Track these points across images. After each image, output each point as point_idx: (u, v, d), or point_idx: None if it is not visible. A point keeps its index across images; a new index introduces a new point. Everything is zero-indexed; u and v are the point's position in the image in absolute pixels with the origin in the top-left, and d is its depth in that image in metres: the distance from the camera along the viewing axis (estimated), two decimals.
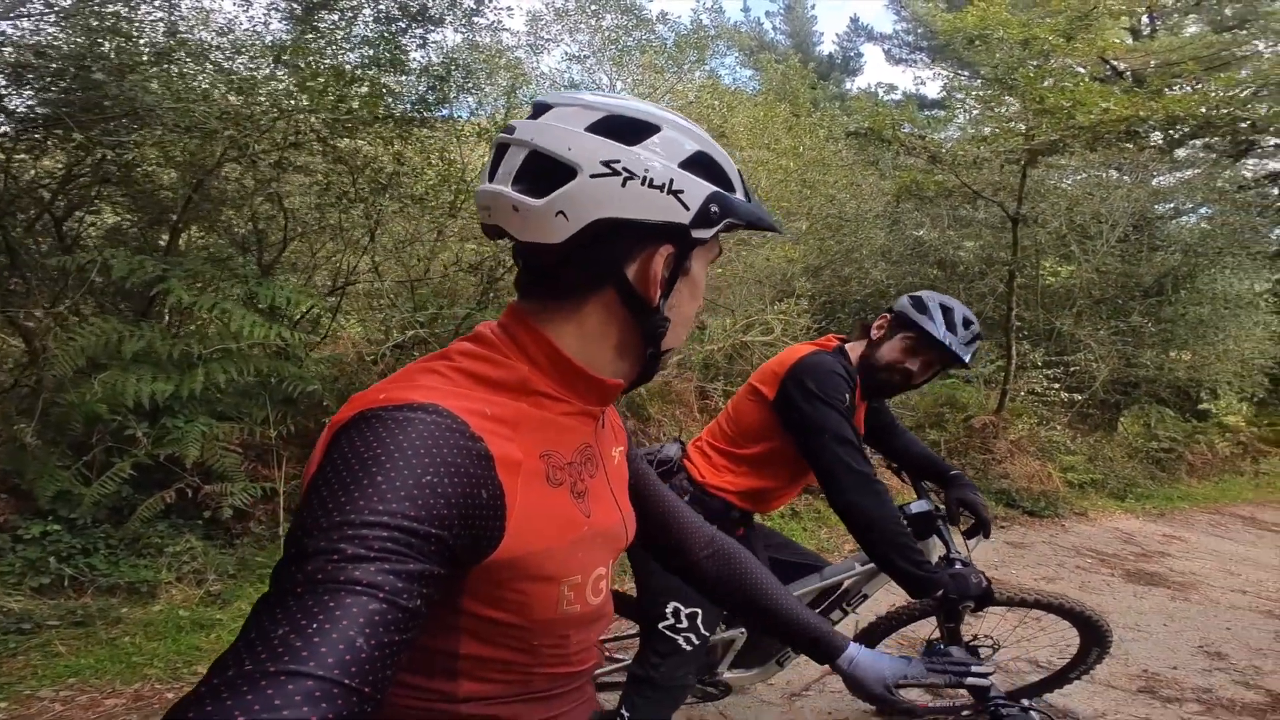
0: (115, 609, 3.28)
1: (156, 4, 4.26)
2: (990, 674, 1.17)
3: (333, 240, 5.36)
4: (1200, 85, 9.52)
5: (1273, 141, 13.83)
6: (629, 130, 0.75)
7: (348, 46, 4.76)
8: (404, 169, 4.91)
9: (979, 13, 7.15)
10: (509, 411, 0.73)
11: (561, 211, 0.73)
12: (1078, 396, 8.95)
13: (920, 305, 2.01)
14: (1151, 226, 10.54)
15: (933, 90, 17.42)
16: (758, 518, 2.32)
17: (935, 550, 2.24)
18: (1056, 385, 8.67)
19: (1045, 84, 6.95)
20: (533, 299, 0.81)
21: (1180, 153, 12.76)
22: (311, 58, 4.40)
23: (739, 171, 0.85)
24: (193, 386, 3.89)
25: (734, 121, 7.60)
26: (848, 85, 19.21)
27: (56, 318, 4.07)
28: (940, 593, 1.84)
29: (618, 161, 0.73)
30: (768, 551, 2.35)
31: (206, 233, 5.27)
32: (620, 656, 2.59)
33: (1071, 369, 9.04)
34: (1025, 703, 1.47)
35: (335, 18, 4.70)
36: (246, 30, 4.70)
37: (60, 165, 4.46)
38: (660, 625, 1.96)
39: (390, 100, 4.69)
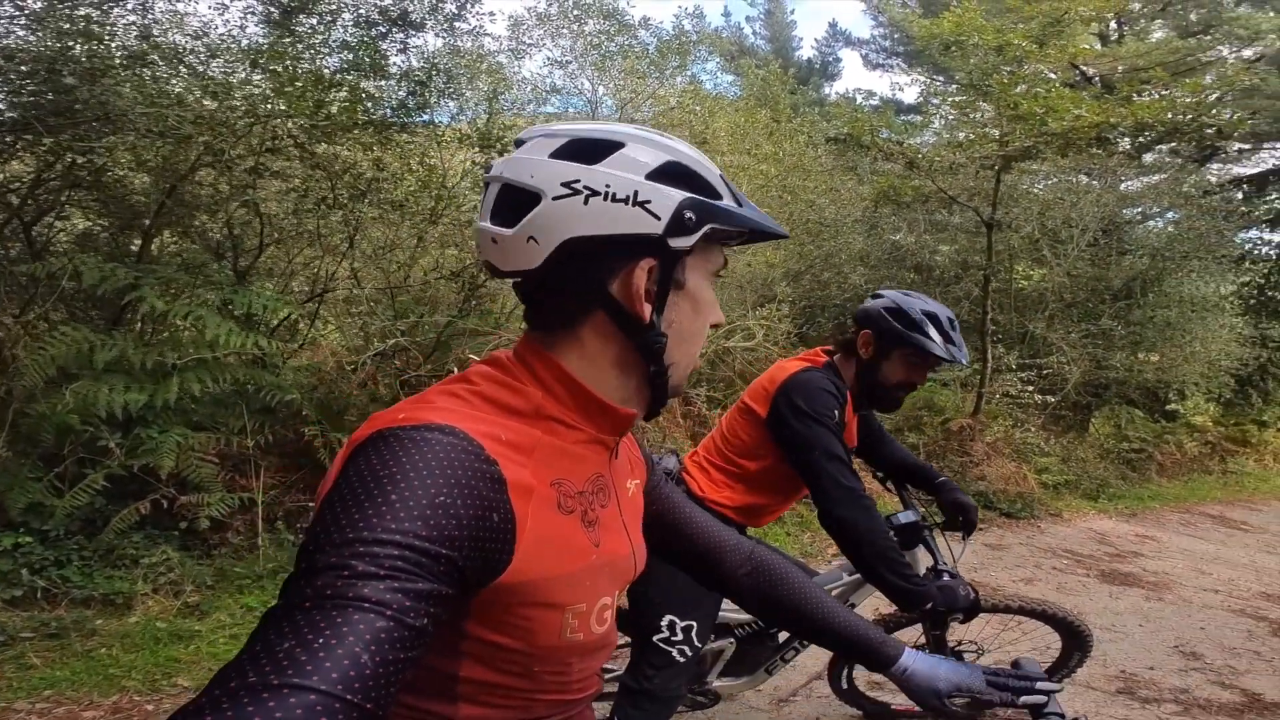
0: (90, 621, 3.22)
1: (129, 6, 4.16)
2: (1055, 692, 1.10)
3: (310, 246, 5.29)
4: (1168, 91, 9.73)
5: (1236, 147, 14.20)
6: (590, 151, 0.76)
7: (326, 51, 4.70)
8: (384, 175, 4.86)
9: (955, 19, 7.25)
10: (523, 437, 0.73)
11: (532, 237, 0.75)
12: (1050, 398, 9.10)
13: (908, 321, 1.99)
14: (1120, 231, 10.76)
15: (909, 96, 17.64)
16: (749, 530, 2.33)
17: (922, 560, 2.27)
18: (1030, 388, 8.81)
19: (1018, 90, 7.06)
20: (537, 329, 0.82)
21: (1147, 158, 13.04)
22: (289, 62, 4.33)
23: (725, 178, 0.82)
24: (167, 396, 3.81)
25: (715, 127, 7.65)
26: (826, 90, 19.38)
27: (26, 326, 3.97)
28: (929, 605, 1.86)
29: (578, 181, 0.74)
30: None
31: (180, 238, 5.18)
32: (611, 667, 2.58)
33: (1044, 371, 9.20)
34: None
35: (314, 22, 4.64)
36: (223, 34, 4.62)
37: (30, 169, 4.36)
38: (655, 638, 1.96)
39: (370, 105, 4.64)
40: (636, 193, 0.74)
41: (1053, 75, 7.95)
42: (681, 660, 1.97)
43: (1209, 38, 13.00)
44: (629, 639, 2.34)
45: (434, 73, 4.95)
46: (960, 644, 2.59)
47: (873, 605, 3.04)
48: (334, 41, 4.73)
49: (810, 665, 3.24)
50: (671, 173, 0.77)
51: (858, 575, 2.38)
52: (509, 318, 5.23)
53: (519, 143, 0.81)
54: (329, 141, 4.58)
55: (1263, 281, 14.45)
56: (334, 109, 4.39)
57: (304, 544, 0.59)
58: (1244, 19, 12.27)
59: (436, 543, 0.59)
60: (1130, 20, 13.55)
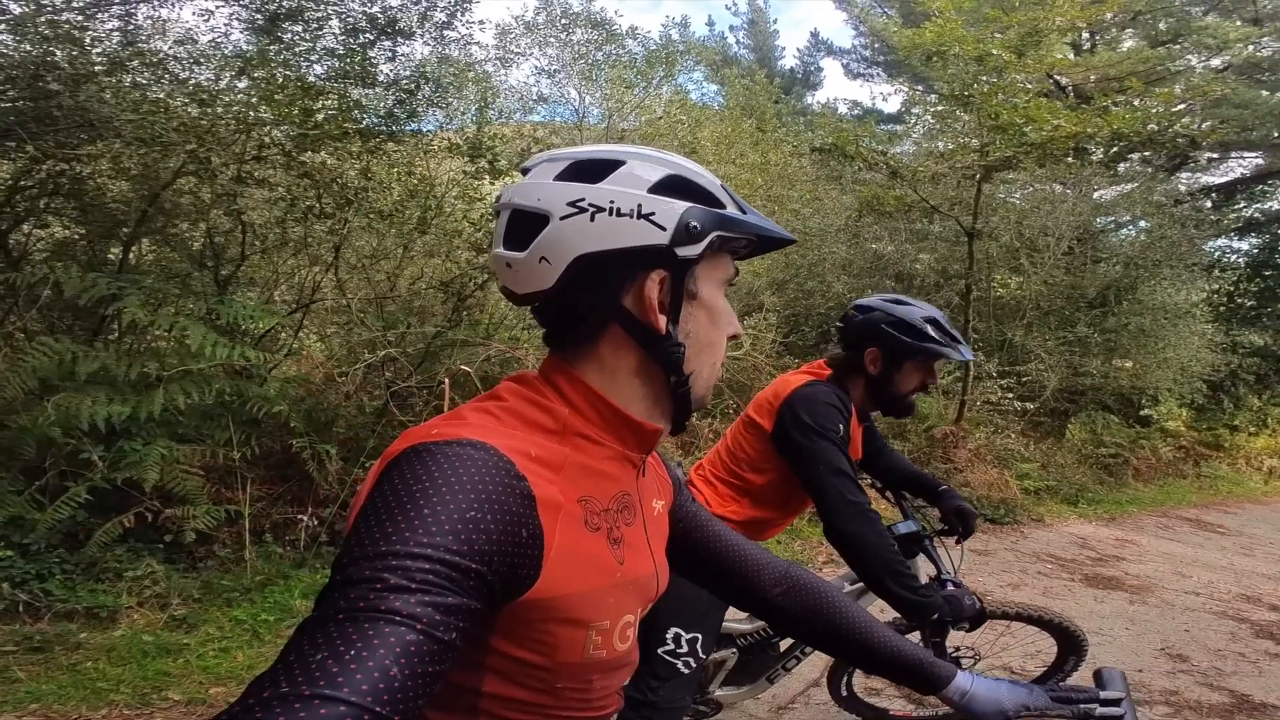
0: (74, 634, 3.17)
1: (113, 12, 4.11)
2: (1121, 706, 1.05)
3: (296, 256, 5.23)
4: (1142, 101, 9.94)
5: (1205, 156, 14.56)
6: (593, 170, 0.79)
7: (314, 58, 4.67)
8: (371, 184, 4.83)
9: (936, 29, 7.36)
10: (552, 454, 0.74)
11: (544, 257, 0.77)
12: (1030, 405, 9.22)
13: (915, 332, 2.00)
14: (1094, 239, 10.98)
15: (890, 105, 17.85)
16: None
17: (923, 569, 2.28)
18: (1010, 395, 8.92)
19: (998, 99, 7.18)
20: (558, 349, 0.84)
21: (1120, 167, 13.30)
22: (276, 69, 4.29)
23: (726, 187, 0.84)
24: (151, 409, 3.75)
25: (701, 136, 7.68)
26: (809, 99, 19.49)
27: (5, 337, 3.89)
28: (936, 615, 1.87)
29: (583, 199, 0.76)
30: None
31: (159, 247, 5.10)
32: None
33: (1023, 379, 9.32)
34: None
35: (300, 29, 4.60)
36: (207, 41, 4.57)
37: (7, 176, 4.27)
38: (659, 650, 1.95)
39: (358, 114, 4.61)
40: (640, 206, 0.76)
41: (1030, 85, 8.09)
42: (686, 672, 1.96)
43: (1178, 46, 13.31)
44: None
45: (422, 81, 4.93)
46: (957, 650, 2.61)
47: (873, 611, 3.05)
48: (321, 49, 4.69)
49: (808, 672, 3.24)
50: (673, 185, 0.79)
51: (860, 585, 2.39)
52: (498, 328, 5.20)
53: (525, 170, 0.84)
54: (316, 150, 4.53)
55: (1232, 289, 14.80)
56: (321, 117, 4.34)
57: (338, 556, 0.60)
58: (1212, 28, 12.56)
59: (467, 557, 0.59)
60: (1102, 30, 13.85)
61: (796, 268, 8.61)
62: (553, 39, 7.72)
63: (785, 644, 2.54)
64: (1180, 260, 10.45)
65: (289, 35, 4.57)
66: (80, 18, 3.88)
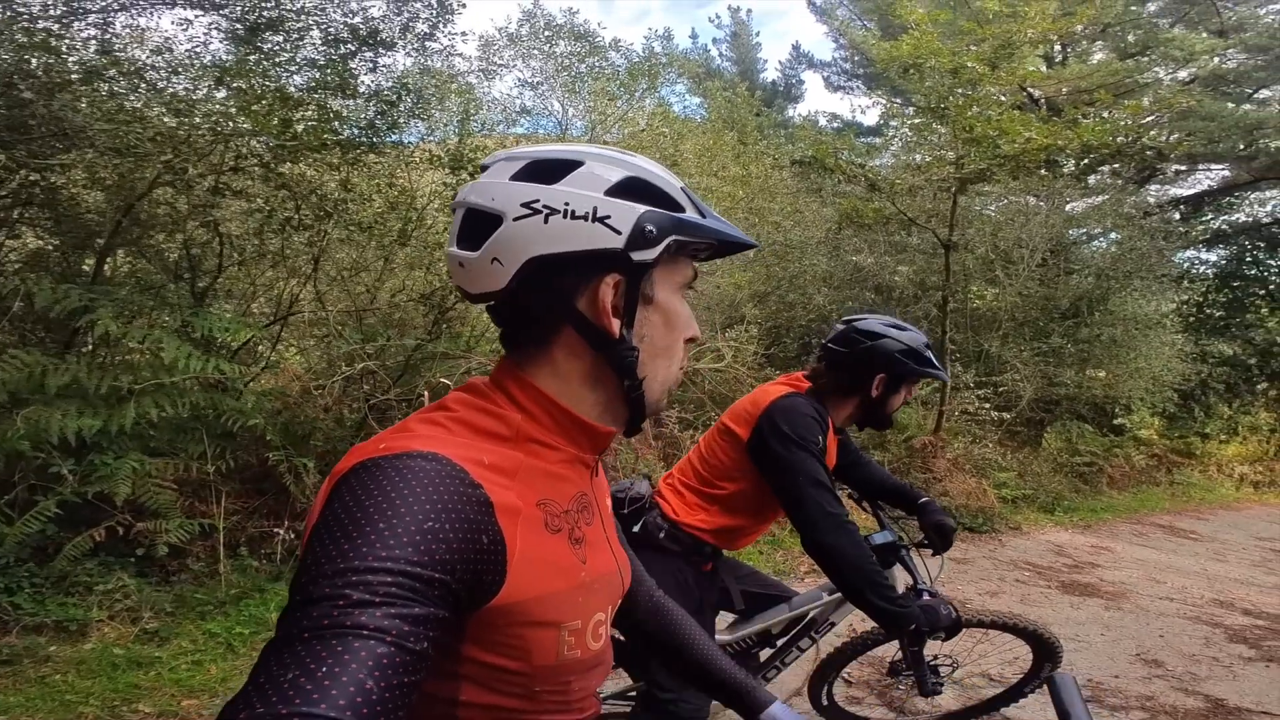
0: (43, 647, 3.13)
1: (90, 20, 4.07)
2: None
3: (273, 268, 5.18)
4: (1111, 113, 10.15)
5: (1173, 168, 14.88)
6: (549, 170, 0.78)
7: (293, 69, 4.64)
8: (351, 195, 4.80)
9: (913, 41, 7.48)
10: (506, 460, 0.74)
11: (496, 258, 0.76)
12: (1006, 415, 9.33)
13: (921, 359, 2.06)
14: (1067, 251, 11.17)
15: (869, 118, 18.02)
16: (725, 553, 2.34)
17: (900, 578, 2.30)
18: (987, 405, 9.02)
19: (973, 112, 7.30)
20: (512, 351, 0.84)
21: (1091, 179, 13.56)
22: (255, 80, 4.27)
23: (688, 190, 0.83)
24: (123, 422, 3.69)
25: (684, 149, 7.73)
26: (790, 112, 19.62)
27: None
28: (913, 626, 1.88)
29: (537, 201, 0.75)
30: (738, 584, 2.36)
31: (133, 258, 5.02)
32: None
33: (1000, 389, 9.43)
34: None
35: (280, 39, 4.57)
36: (186, 50, 4.53)
37: None
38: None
39: (338, 125, 4.59)
40: (596, 209, 0.75)
41: (1004, 98, 8.24)
42: None
43: (1146, 59, 13.64)
44: (635, 679, 2.35)
45: (404, 93, 4.92)
46: (936, 658, 2.63)
47: (849, 623, 3.05)
48: (301, 59, 4.67)
49: (790, 682, 3.24)
50: (631, 188, 0.78)
51: (838, 595, 2.40)
52: (479, 341, 5.18)
53: (483, 168, 0.83)
54: (295, 161, 4.50)
55: (1201, 300, 15.13)
56: (300, 128, 4.32)
57: (295, 578, 0.59)
58: (1179, 40, 12.87)
59: (429, 567, 0.59)
60: (1073, 42, 14.14)
61: (778, 280, 8.67)
62: (536, 51, 7.73)
63: (765, 654, 2.54)
64: (1150, 271, 10.65)
65: (269, 45, 4.54)
66: (57, 25, 3.83)
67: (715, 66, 19.99)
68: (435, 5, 4.88)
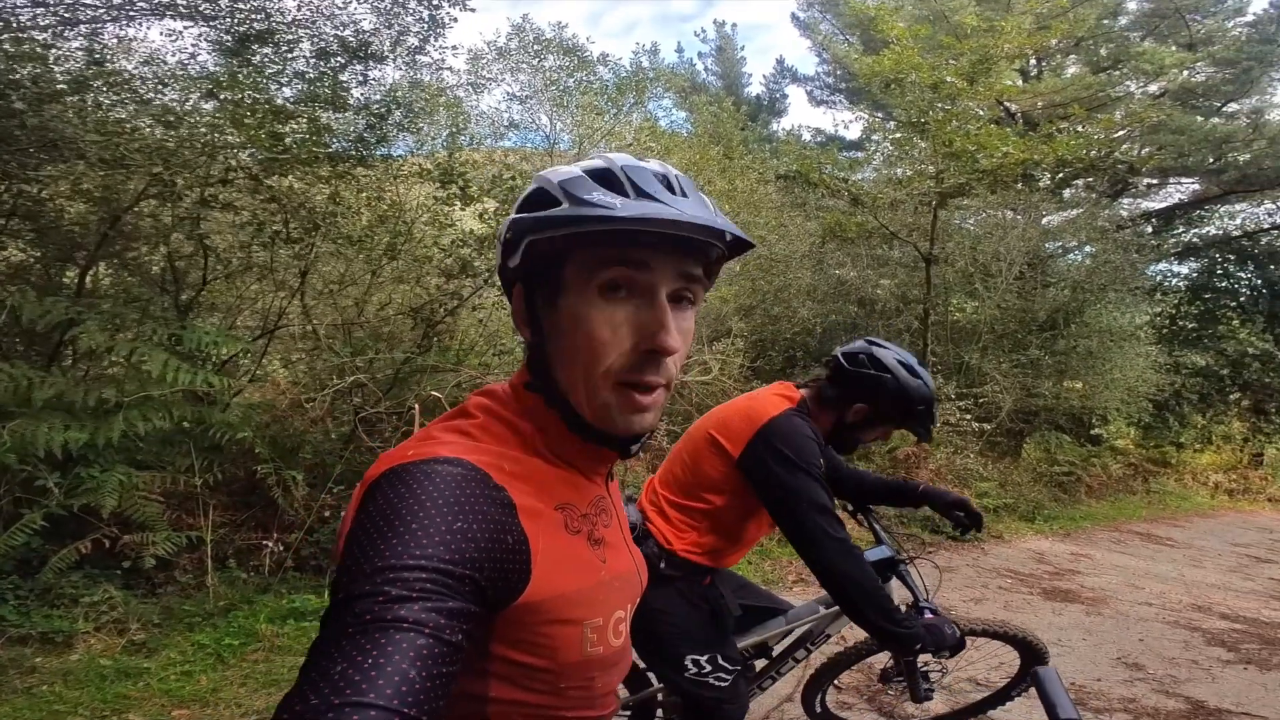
0: (28, 658, 3.12)
1: (79, 30, 4.06)
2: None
3: (260, 281, 5.17)
4: (1085, 128, 10.37)
5: (1145, 181, 15.21)
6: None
7: (283, 81, 4.65)
8: (339, 208, 4.81)
9: (894, 56, 7.62)
10: (525, 467, 0.77)
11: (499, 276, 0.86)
12: (986, 426, 9.45)
13: (916, 413, 2.01)
14: (1044, 264, 11.36)
15: (851, 132, 18.20)
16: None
17: (897, 592, 2.31)
18: (968, 416, 9.14)
19: (952, 126, 7.45)
20: None
21: (1065, 193, 13.82)
22: (246, 92, 4.27)
23: (586, 180, 0.76)
24: (109, 435, 3.67)
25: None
26: (774, 126, 19.76)
27: None
28: (919, 646, 1.89)
29: (505, 228, 0.81)
30: (736, 597, 2.37)
31: (115, 271, 4.99)
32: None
33: (980, 400, 9.57)
34: None
35: (268, 51, 4.58)
36: (175, 62, 4.53)
37: None
38: (686, 676, 1.95)
39: (327, 138, 4.60)
40: (503, 228, 0.81)
41: (982, 112, 8.42)
42: (724, 684, 1.96)
43: (1118, 72, 13.94)
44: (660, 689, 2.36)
45: (394, 106, 4.94)
46: (926, 664, 2.68)
47: (841, 633, 3.09)
48: (291, 72, 4.68)
49: (782, 689, 3.27)
50: (529, 198, 0.80)
51: (834, 609, 2.43)
52: (468, 354, 5.19)
53: None
54: (284, 174, 4.51)
55: (1173, 312, 15.43)
56: (289, 141, 4.33)
57: (335, 579, 0.62)
58: (1149, 53, 13.17)
59: (459, 565, 0.62)
60: (1048, 56, 14.44)
61: (763, 294, 8.74)
62: (525, 65, 7.77)
63: (760, 663, 2.57)
64: (1124, 284, 10.86)
65: (258, 57, 4.55)
66: (45, 35, 3.82)
67: (701, 80, 20.13)
68: (427, 19, 4.92)
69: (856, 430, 2.05)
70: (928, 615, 2.03)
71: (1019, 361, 9.98)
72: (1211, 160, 13.89)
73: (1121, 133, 12.91)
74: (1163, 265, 16.12)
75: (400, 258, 5.07)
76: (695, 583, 2.02)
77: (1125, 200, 15.42)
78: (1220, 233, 16.14)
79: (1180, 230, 16.34)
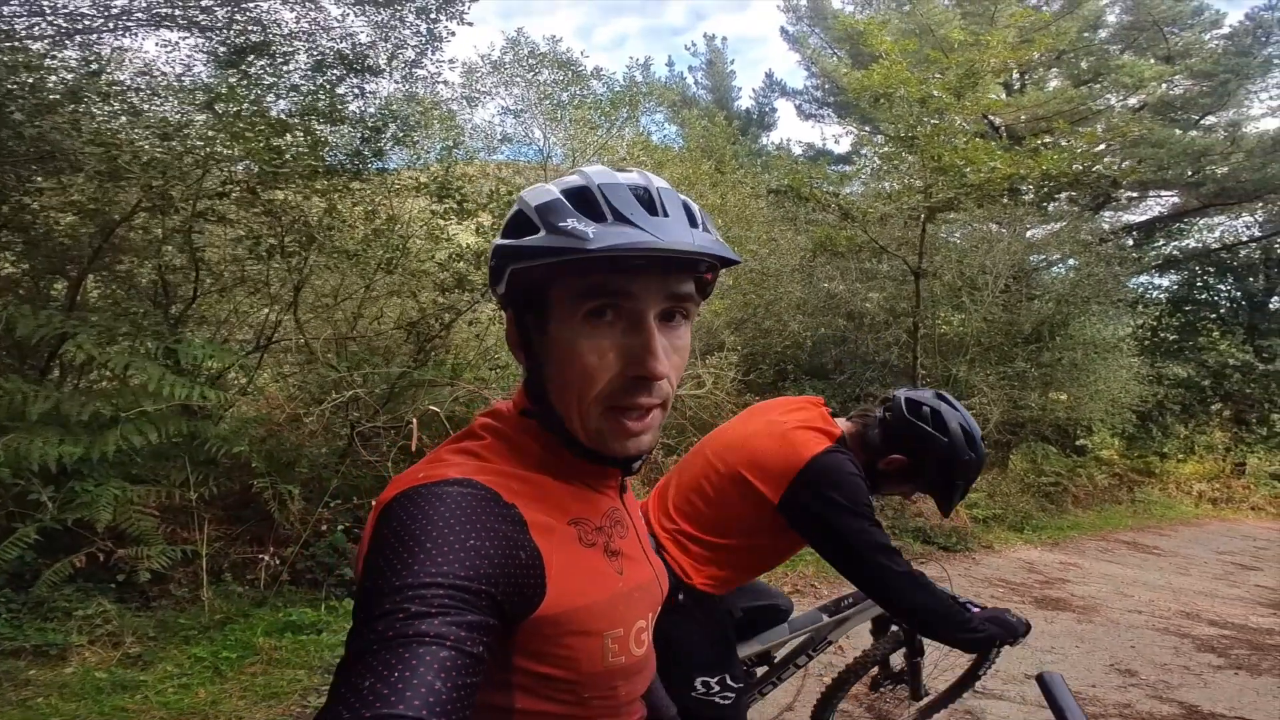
0: (22, 671, 3.09)
1: (76, 40, 4.07)
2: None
3: (254, 294, 5.15)
4: (1069, 142, 10.53)
5: (1125, 194, 15.45)
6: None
7: (279, 94, 4.67)
8: (336, 222, 4.81)
9: (883, 71, 7.73)
10: (533, 485, 0.79)
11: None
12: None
13: (948, 479, 1.90)
14: (1028, 277, 11.50)
15: (840, 146, 18.35)
16: None
17: None
18: None
19: (940, 140, 7.56)
20: None
21: (1049, 206, 14.00)
22: (243, 104, 4.28)
23: (559, 204, 0.75)
24: (104, 449, 3.65)
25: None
26: (763, 140, 19.82)
27: None
28: (998, 643, 1.90)
29: (491, 254, 0.82)
30: (739, 601, 2.37)
31: (103, 284, 4.95)
32: None
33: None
34: None
35: (264, 63, 4.60)
36: (173, 74, 4.54)
37: None
38: (693, 695, 1.96)
39: (323, 152, 4.61)
40: (491, 253, 0.82)
41: (968, 126, 8.56)
42: (727, 703, 1.97)
43: (1099, 85, 14.17)
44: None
45: (390, 119, 4.96)
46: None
47: (838, 645, 3.12)
48: (286, 84, 4.69)
49: (781, 698, 3.29)
50: (511, 222, 0.79)
51: (839, 616, 2.47)
52: (464, 369, 5.19)
53: None
54: (282, 187, 4.51)
55: (1155, 324, 15.68)
56: (289, 155, 4.34)
57: (357, 600, 0.65)
58: (1129, 66, 13.40)
59: (475, 580, 0.64)
60: (1030, 69, 14.66)
61: (754, 307, 8.80)
62: (519, 79, 7.80)
63: (760, 670, 2.59)
64: (1107, 297, 11.02)
65: (254, 69, 4.57)
66: (47, 44, 3.83)
67: (691, 94, 20.20)
68: (424, 33, 4.96)
69: (884, 480, 1.93)
70: (975, 610, 2.02)
71: (1005, 374, 10.07)
72: (1190, 173, 14.13)
73: (1102, 146, 13.11)
74: (1144, 278, 16.40)
75: (396, 272, 5.07)
76: (710, 609, 1.97)
77: (1107, 213, 15.65)
78: (1200, 245, 16.43)
79: (1160, 243, 16.60)
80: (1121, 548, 8.51)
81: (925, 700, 2.98)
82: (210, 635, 3.57)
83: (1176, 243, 16.72)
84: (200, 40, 4.64)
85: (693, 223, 0.76)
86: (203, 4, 4.47)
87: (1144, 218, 16.31)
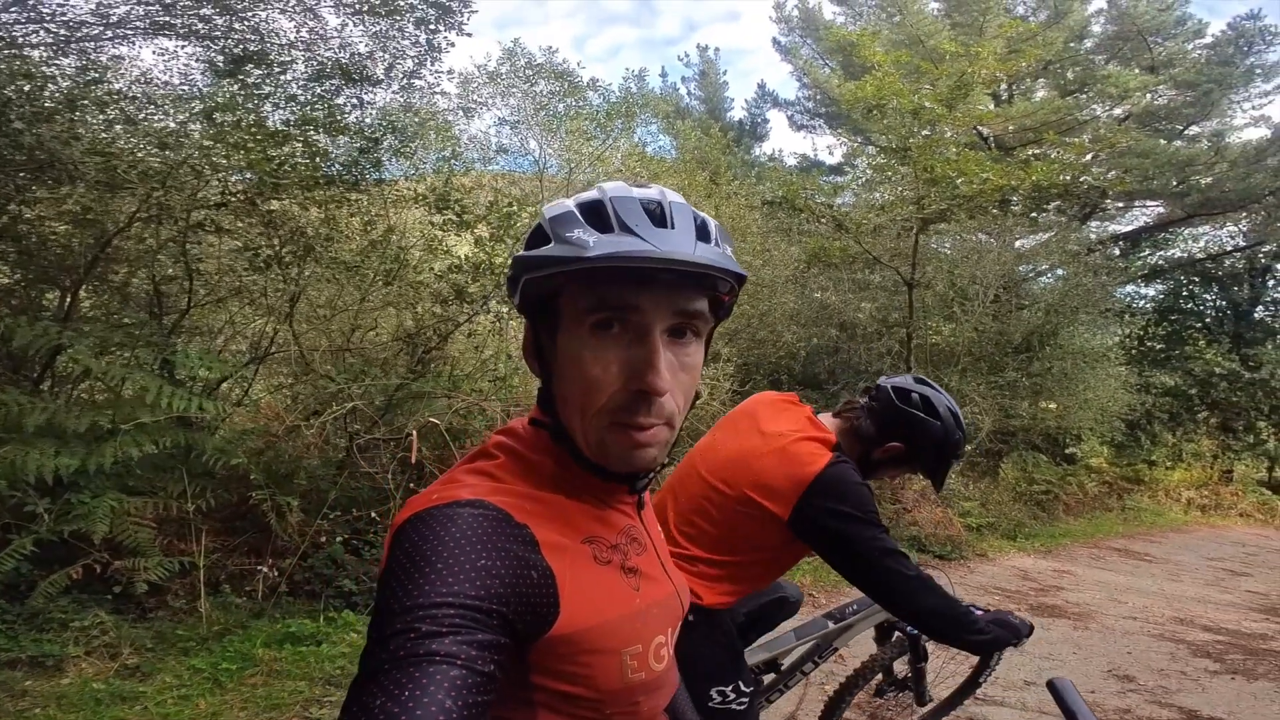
0: (18, 681, 3.05)
1: (75, 47, 4.06)
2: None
3: (251, 305, 5.13)
4: (1057, 153, 10.65)
5: (1112, 204, 15.62)
6: None
7: (276, 103, 4.66)
8: (334, 233, 4.80)
9: (876, 82, 7.80)
10: (547, 505, 0.79)
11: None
12: (968, 447, 9.58)
13: (941, 461, 1.95)
14: (1017, 287, 11.62)
15: (832, 157, 18.38)
16: None
17: None
18: None
19: (932, 151, 7.63)
20: None
21: (1038, 217, 14.13)
22: (240, 114, 4.28)
23: (574, 215, 0.76)
24: (101, 460, 3.62)
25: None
26: (756, 151, 19.83)
27: None
28: (1003, 645, 1.92)
29: (510, 264, 0.82)
30: (740, 605, 2.37)
31: (96, 294, 4.92)
32: None
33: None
34: None
35: (262, 72, 4.60)
36: (172, 83, 4.53)
37: None
38: (710, 705, 1.96)
39: (322, 162, 4.61)
40: (509, 266, 0.82)
41: (959, 137, 8.64)
42: (743, 709, 1.98)
43: (1085, 96, 14.33)
44: None
45: (389, 130, 4.96)
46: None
47: (839, 655, 3.13)
48: (283, 94, 4.69)
49: (785, 707, 3.30)
50: (531, 234, 0.80)
51: (844, 623, 2.49)
52: (464, 380, 5.18)
53: None
54: (281, 197, 4.50)
55: (1142, 333, 15.85)
56: (288, 165, 4.34)
57: (371, 621, 0.66)
58: (1114, 77, 13.55)
59: (486, 600, 0.64)
60: (1018, 80, 14.81)
61: (748, 318, 8.83)
62: (515, 90, 7.82)
63: (768, 678, 2.60)
64: (1095, 306, 11.15)
65: (252, 79, 4.56)
66: (48, 52, 3.82)
67: (685, 105, 20.22)
68: (423, 43, 4.97)
69: (880, 466, 1.98)
70: (979, 613, 2.04)
71: (996, 383, 10.15)
72: (1175, 183, 14.30)
73: (1090, 157, 13.25)
74: (1130, 287, 16.60)
75: (394, 283, 5.06)
76: (717, 622, 1.97)
77: (1094, 223, 15.80)
78: (1185, 255, 16.63)
79: (1146, 253, 16.80)
80: (1113, 555, 8.57)
81: (929, 707, 2.99)
82: (209, 646, 3.54)
83: (1162, 252, 16.94)
84: (198, 49, 4.64)
85: (703, 237, 0.76)
86: (201, 12, 4.47)
87: (1130, 228, 16.51)
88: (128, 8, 4.23)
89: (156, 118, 4.52)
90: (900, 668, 2.70)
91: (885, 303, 9.88)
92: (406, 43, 4.93)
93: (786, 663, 2.55)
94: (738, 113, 21.33)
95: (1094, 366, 11.19)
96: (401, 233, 5.57)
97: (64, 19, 4.12)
